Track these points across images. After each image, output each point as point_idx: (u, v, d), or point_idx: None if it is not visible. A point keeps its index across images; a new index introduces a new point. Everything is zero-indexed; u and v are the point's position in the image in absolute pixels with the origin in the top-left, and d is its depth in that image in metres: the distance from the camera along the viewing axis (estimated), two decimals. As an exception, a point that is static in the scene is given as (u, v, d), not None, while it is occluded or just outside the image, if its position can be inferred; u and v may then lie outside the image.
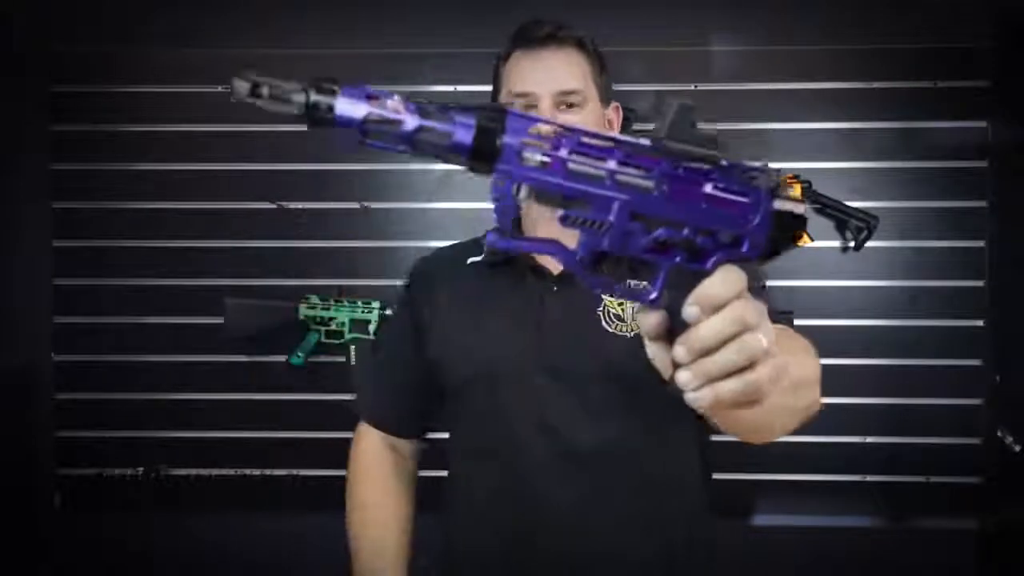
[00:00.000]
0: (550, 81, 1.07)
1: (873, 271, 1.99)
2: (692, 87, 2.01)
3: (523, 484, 1.05)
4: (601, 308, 1.07)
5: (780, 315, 0.94)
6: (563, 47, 1.09)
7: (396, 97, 0.54)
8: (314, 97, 0.53)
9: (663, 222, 0.58)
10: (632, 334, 1.06)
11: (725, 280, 0.55)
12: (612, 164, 0.57)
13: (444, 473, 1.19)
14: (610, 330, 1.06)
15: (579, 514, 1.04)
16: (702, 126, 0.58)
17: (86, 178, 2.04)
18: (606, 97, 1.14)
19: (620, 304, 1.07)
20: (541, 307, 1.08)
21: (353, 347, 1.96)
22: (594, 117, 1.09)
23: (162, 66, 2.04)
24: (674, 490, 1.09)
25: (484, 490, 1.10)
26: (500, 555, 1.08)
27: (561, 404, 1.05)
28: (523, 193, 0.56)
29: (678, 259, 0.59)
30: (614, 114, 1.17)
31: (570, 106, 1.07)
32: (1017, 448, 1.81)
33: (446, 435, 1.20)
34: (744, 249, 0.60)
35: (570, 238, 0.58)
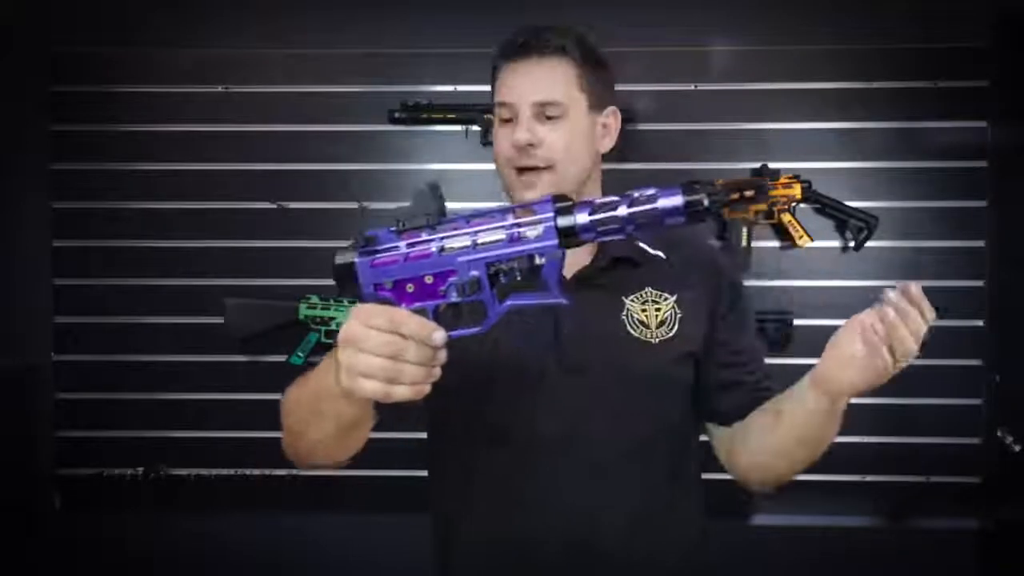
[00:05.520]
0: (528, 92, 1.05)
1: (873, 271, 1.99)
2: (692, 87, 2.01)
3: (533, 483, 1.05)
4: (625, 313, 1.06)
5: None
6: (544, 56, 1.06)
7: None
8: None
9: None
10: (657, 340, 1.05)
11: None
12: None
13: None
14: (635, 335, 1.05)
15: (589, 513, 1.04)
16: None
17: (86, 178, 2.04)
18: (601, 102, 1.10)
19: (643, 310, 1.07)
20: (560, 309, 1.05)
21: (353, 347, 1.96)
22: (579, 128, 1.07)
23: (162, 66, 2.04)
24: (683, 491, 1.10)
25: (491, 485, 1.08)
26: (504, 551, 1.07)
27: (578, 404, 1.04)
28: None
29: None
30: (612, 119, 1.13)
31: (549, 118, 1.05)
32: (1017, 448, 1.81)
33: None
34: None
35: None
